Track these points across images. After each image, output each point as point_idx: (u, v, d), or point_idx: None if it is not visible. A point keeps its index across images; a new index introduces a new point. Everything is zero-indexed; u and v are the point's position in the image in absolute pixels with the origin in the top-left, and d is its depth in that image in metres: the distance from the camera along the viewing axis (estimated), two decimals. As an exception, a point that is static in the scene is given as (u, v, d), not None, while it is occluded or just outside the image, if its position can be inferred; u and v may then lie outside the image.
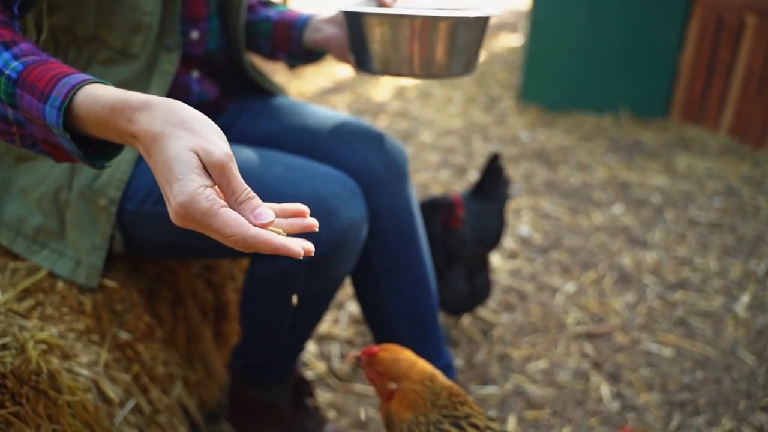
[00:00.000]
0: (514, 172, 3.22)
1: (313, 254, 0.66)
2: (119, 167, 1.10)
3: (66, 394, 0.99)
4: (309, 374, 1.75)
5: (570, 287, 2.19)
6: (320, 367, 1.78)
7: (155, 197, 1.10)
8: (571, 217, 2.73)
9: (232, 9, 1.26)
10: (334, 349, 1.86)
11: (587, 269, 2.31)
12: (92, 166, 0.75)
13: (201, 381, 1.43)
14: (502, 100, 4.48)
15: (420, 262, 1.29)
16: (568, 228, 2.63)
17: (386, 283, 1.27)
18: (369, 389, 1.70)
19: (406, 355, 1.07)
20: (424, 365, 1.05)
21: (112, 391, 1.08)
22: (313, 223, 0.72)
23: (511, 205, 2.83)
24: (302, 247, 0.65)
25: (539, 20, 4.09)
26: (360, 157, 1.22)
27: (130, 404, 1.14)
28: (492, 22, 7.71)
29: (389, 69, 1.09)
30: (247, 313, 1.23)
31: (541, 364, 1.81)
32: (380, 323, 1.32)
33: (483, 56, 5.85)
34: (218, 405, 1.54)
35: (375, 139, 1.26)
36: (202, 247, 1.16)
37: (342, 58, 1.26)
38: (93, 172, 1.10)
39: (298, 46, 1.32)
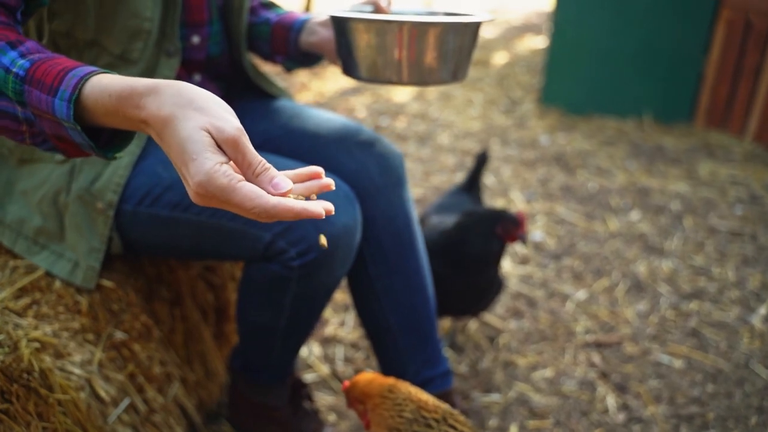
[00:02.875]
0: (530, 176, 3.19)
1: (333, 213, 0.68)
2: (117, 171, 1.11)
3: (57, 392, 1.00)
4: (312, 376, 1.75)
5: (581, 295, 2.16)
6: (323, 369, 1.78)
7: (152, 198, 1.11)
8: (586, 223, 2.69)
9: (233, 13, 1.26)
10: (339, 352, 1.86)
11: (600, 276, 2.27)
12: (104, 157, 0.76)
13: (200, 381, 1.43)
14: (523, 103, 4.44)
15: (417, 268, 1.28)
16: (583, 234, 2.59)
17: (382, 289, 1.26)
18: (371, 393, 1.70)
19: (365, 376, 1.07)
20: (382, 379, 1.04)
21: (104, 390, 1.09)
22: (329, 182, 0.72)
23: (525, 210, 2.80)
24: (323, 207, 0.66)
25: (562, 22, 4.04)
26: (356, 162, 1.21)
27: (124, 403, 1.15)
28: (516, 23, 7.63)
29: (375, 75, 1.08)
30: (242, 316, 1.23)
31: (547, 372, 1.79)
32: (377, 330, 1.31)
33: (506, 58, 5.81)
34: (218, 405, 1.55)
35: (372, 144, 1.25)
36: (200, 248, 1.17)
37: (336, 61, 1.25)
38: (91, 175, 1.11)
39: (294, 48, 1.32)
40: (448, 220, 1.74)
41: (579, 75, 4.10)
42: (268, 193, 0.65)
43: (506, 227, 1.61)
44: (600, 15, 3.95)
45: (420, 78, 1.06)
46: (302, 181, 0.72)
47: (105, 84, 0.70)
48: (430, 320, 1.30)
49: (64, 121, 0.71)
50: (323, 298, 1.18)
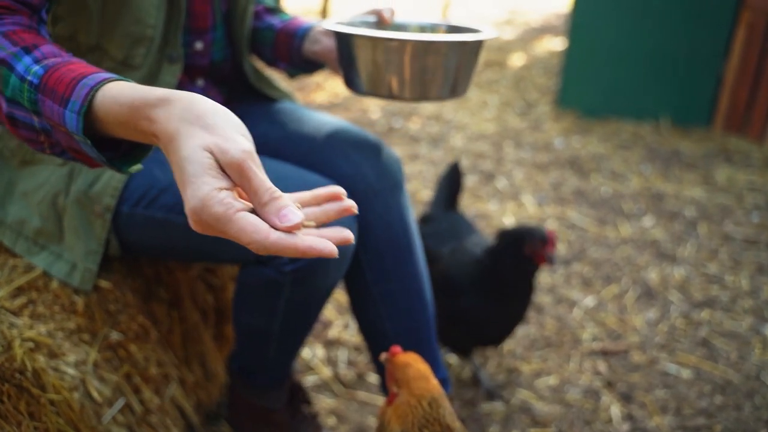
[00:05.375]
0: (543, 179, 3.16)
1: (352, 241, 0.62)
2: (115, 175, 1.11)
3: (50, 392, 1.00)
4: (313, 379, 1.74)
5: (589, 301, 2.13)
6: (326, 372, 1.77)
7: (148, 200, 1.11)
8: (597, 228, 2.65)
9: (236, 19, 1.26)
10: (342, 354, 1.85)
11: (609, 283, 2.24)
12: (119, 171, 0.72)
13: (199, 382, 1.44)
14: (539, 105, 4.40)
15: (415, 274, 1.26)
16: (594, 239, 2.56)
17: (379, 295, 1.25)
18: (372, 398, 1.69)
19: (420, 366, 1.04)
20: (433, 385, 1.01)
21: (97, 391, 1.09)
22: (350, 205, 0.64)
23: (536, 214, 2.77)
24: (338, 238, 0.60)
25: (579, 24, 4.00)
26: (353, 166, 1.20)
27: (119, 404, 1.15)
28: (535, 24, 7.58)
29: (375, 90, 1.08)
30: (237, 319, 1.23)
31: (551, 380, 1.76)
32: (375, 335, 1.30)
33: (523, 60, 5.77)
34: (218, 405, 1.55)
35: (370, 148, 1.24)
36: (194, 251, 1.17)
37: (338, 70, 1.24)
38: (90, 178, 1.11)
39: (297, 56, 1.32)
40: (464, 248, 1.65)
41: (596, 77, 4.06)
42: (273, 225, 0.58)
43: (534, 246, 1.49)
44: (618, 17, 3.90)
45: (420, 94, 1.07)
46: (319, 203, 0.65)
47: (115, 93, 0.65)
48: (427, 326, 1.29)
49: (74, 134, 0.68)
50: (318, 303, 1.17)
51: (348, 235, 0.61)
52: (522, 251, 1.51)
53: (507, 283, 1.55)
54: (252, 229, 0.57)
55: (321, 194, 0.65)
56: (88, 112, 0.66)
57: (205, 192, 0.57)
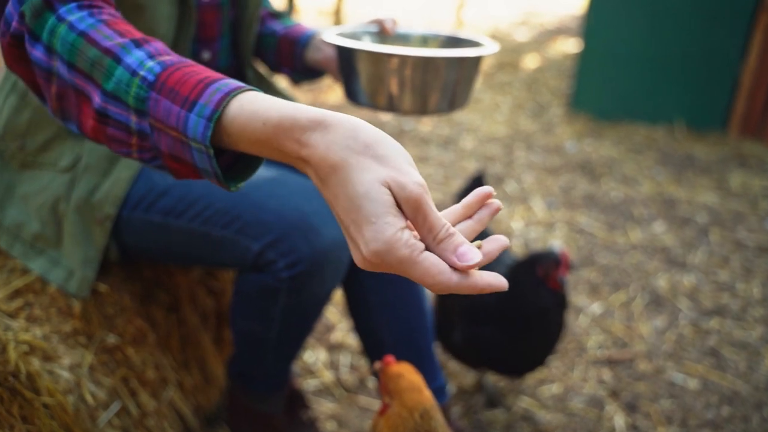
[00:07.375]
0: (553, 183, 3.13)
1: (508, 245, 0.60)
2: (117, 183, 1.10)
3: (44, 395, 1.00)
4: (315, 383, 1.74)
5: (596, 308, 2.10)
6: (328, 376, 1.76)
7: (146, 204, 1.11)
8: (607, 234, 2.62)
9: (243, 27, 1.25)
10: (344, 358, 1.84)
11: (617, 290, 2.21)
12: (226, 187, 0.66)
13: (198, 385, 1.43)
14: (551, 108, 4.37)
15: (412, 282, 1.25)
16: (603, 245, 2.53)
17: (376, 302, 1.24)
18: (373, 403, 1.68)
19: (412, 377, 1.03)
20: (425, 397, 0.99)
21: (92, 394, 1.09)
22: (499, 204, 0.62)
23: (545, 219, 2.74)
24: (499, 248, 0.59)
25: (594, 26, 3.96)
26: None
27: (115, 407, 1.15)
28: (549, 26, 7.53)
29: (374, 102, 1.08)
30: (235, 325, 1.22)
31: (555, 388, 1.74)
32: (372, 344, 1.30)
33: (537, 61, 5.73)
34: (219, 408, 1.55)
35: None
36: (192, 255, 1.16)
37: (339, 79, 1.24)
38: (91, 185, 1.10)
39: (300, 63, 1.31)
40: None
41: (610, 80, 4.02)
42: (450, 262, 0.55)
43: (546, 268, 1.44)
44: (633, 19, 3.86)
45: (419, 108, 1.06)
46: (473, 210, 0.62)
47: (258, 108, 0.59)
48: (425, 334, 1.28)
49: (193, 141, 0.61)
50: (315, 309, 1.16)
51: (505, 240, 0.59)
52: (535, 273, 1.46)
53: (524, 311, 1.48)
54: (436, 271, 0.55)
55: (473, 201, 0.62)
56: (217, 120, 0.61)
57: (390, 234, 0.54)
